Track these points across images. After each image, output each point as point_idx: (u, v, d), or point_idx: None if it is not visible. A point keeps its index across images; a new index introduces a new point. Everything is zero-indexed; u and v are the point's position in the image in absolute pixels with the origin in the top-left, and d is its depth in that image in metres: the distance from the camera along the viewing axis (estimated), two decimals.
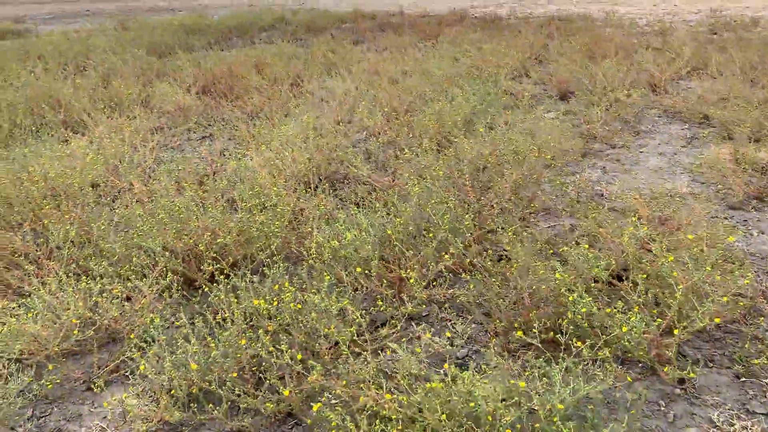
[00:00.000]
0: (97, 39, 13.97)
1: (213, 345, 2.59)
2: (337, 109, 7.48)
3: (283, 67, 9.81)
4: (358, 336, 3.03)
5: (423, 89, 8.41)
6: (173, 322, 3.30)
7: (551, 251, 3.71)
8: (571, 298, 2.75)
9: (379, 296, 3.39)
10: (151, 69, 9.64)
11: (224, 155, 6.51)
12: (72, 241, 3.85)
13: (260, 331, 2.66)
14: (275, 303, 2.87)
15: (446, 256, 3.24)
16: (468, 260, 3.58)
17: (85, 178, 4.76)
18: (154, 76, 9.41)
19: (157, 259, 3.39)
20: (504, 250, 4.00)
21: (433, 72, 9.26)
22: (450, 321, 3.29)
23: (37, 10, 33.46)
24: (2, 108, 6.98)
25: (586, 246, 3.12)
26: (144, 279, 3.27)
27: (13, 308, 3.16)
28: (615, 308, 2.81)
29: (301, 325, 2.81)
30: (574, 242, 4.07)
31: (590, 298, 2.76)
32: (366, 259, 3.36)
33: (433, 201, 3.73)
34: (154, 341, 3.06)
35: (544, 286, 2.92)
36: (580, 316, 2.74)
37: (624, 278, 3.38)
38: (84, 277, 3.41)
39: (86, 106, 7.29)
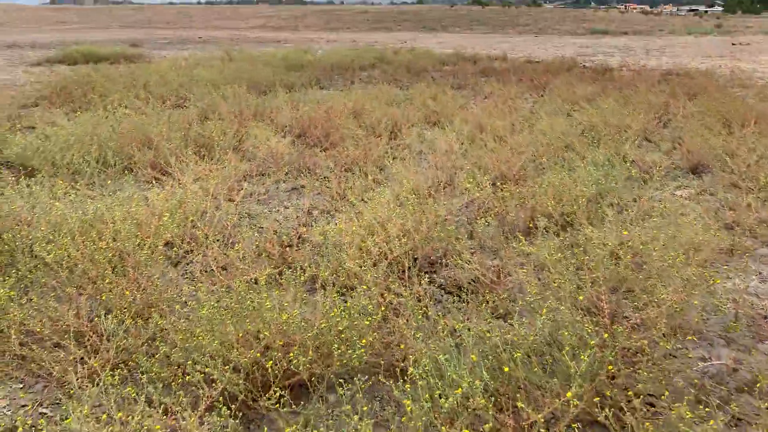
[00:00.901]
0: (201, 70, 14.13)
1: None
2: (437, 170, 6.78)
3: (381, 113, 9.28)
4: None
5: (535, 150, 7.58)
6: None
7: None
8: None
9: None
10: (249, 108, 9.37)
11: (312, 214, 5.95)
12: (127, 330, 3.32)
13: None
14: None
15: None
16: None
17: (157, 240, 4.27)
18: (251, 115, 9.12)
19: (215, 379, 2.76)
20: (650, 395, 3.11)
21: (545, 130, 8.41)
22: None
23: (152, 34, 35.44)
24: (93, 144, 6.78)
25: None
26: (195, 403, 2.63)
27: (41, 421, 2.60)
28: None
29: None
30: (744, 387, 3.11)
31: None
32: (476, 408, 2.57)
33: (566, 333, 2.88)
34: None
35: None
36: None
37: None
38: (130, 386, 2.83)
39: (176, 146, 6.99)
